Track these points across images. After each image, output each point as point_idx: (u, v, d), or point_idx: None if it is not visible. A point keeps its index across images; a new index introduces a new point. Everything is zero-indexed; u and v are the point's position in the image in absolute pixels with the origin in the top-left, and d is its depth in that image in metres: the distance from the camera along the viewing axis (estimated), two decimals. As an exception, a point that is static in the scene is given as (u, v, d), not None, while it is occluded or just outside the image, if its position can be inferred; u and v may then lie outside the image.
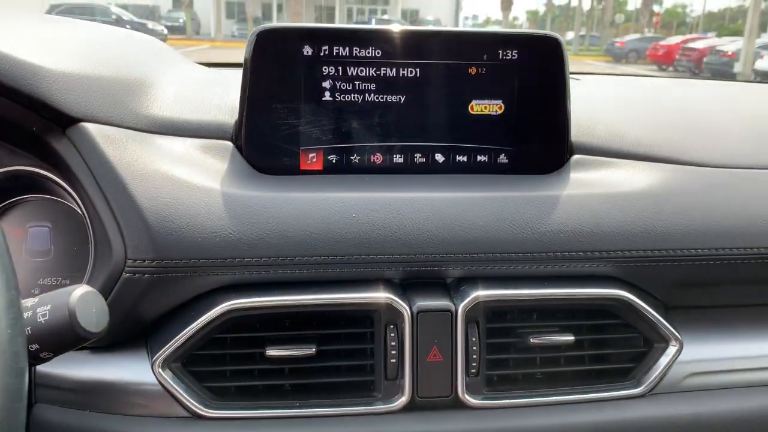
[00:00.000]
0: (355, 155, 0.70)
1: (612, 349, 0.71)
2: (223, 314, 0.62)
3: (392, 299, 0.64)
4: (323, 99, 0.69)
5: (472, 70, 0.70)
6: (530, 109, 0.72)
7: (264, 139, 0.69)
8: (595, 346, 0.71)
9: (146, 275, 0.61)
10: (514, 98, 0.72)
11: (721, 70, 14.75)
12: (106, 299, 0.61)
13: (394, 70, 0.69)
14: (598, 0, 41.80)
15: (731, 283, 0.75)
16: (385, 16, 31.83)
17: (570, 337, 0.68)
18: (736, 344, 0.76)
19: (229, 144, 0.69)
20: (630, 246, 0.68)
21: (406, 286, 0.67)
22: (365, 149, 0.70)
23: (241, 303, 0.62)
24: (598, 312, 0.70)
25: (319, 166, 0.70)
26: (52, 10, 17.65)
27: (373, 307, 0.65)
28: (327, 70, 0.68)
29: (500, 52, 0.71)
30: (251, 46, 0.67)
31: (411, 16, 35.32)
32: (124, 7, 22.78)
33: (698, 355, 0.74)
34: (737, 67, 13.48)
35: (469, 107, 0.71)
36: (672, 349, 0.70)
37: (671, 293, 0.74)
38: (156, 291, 0.62)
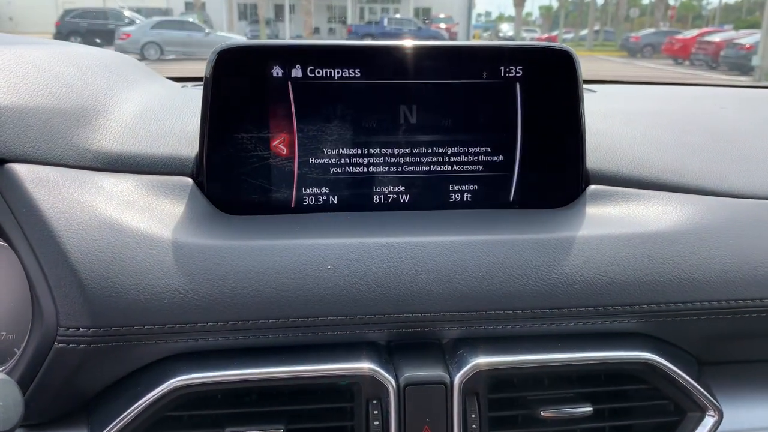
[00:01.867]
0: (333, 190, 0.61)
1: (637, 419, 0.60)
2: (173, 391, 0.52)
3: (375, 370, 0.54)
4: (295, 127, 0.59)
5: (470, 90, 0.60)
6: (538, 133, 0.62)
7: (228, 174, 0.59)
8: (617, 416, 0.60)
9: (82, 345, 0.51)
10: (519, 121, 0.61)
11: (739, 63, 14.49)
12: (38, 370, 0.52)
13: (377, 92, 0.60)
14: (612, -6, 41.41)
15: None
16: (397, 15, 31.70)
17: (587, 408, 0.57)
18: None
19: (189, 180, 0.60)
20: (658, 298, 0.57)
21: (393, 350, 0.57)
22: (345, 183, 0.61)
23: (193, 379, 0.52)
24: (620, 377, 0.59)
25: (291, 204, 0.60)
26: (66, 14, 17.76)
27: (353, 379, 0.55)
28: (299, 94, 0.59)
29: (503, 68, 0.61)
30: (211, 67, 0.57)
31: (423, 14, 35.18)
32: (138, 10, 22.89)
33: (740, 423, 0.63)
34: (755, 61, 13.18)
35: (467, 132, 0.61)
36: (710, 420, 0.59)
37: (706, 348, 0.63)
38: (95, 362, 0.53)
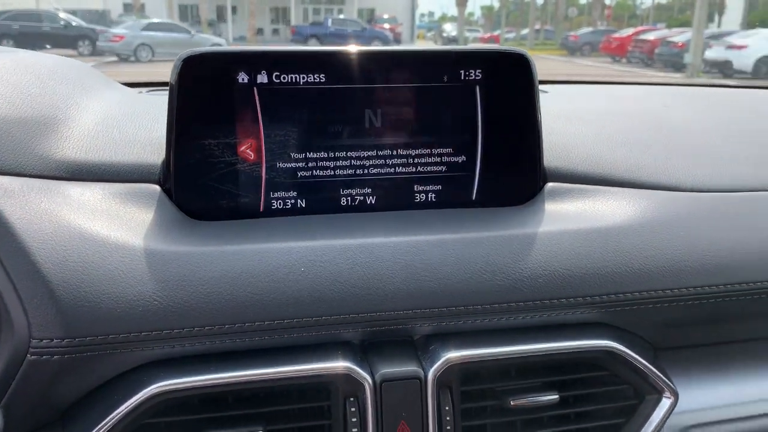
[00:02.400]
0: (301, 194, 0.61)
1: (599, 404, 0.63)
2: (150, 398, 0.52)
3: (351, 368, 0.55)
4: (262, 132, 0.60)
5: (432, 93, 0.62)
6: (498, 133, 0.64)
7: (196, 180, 0.59)
8: (580, 402, 0.63)
9: (56, 356, 0.51)
10: (479, 122, 0.64)
11: (672, 60, 15.06)
12: (11, 383, 0.52)
13: (342, 96, 0.61)
14: (551, -6, 42.34)
15: (731, 320, 0.68)
16: (341, 16, 31.65)
17: (554, 396, 0.60)
18: (735, 387, 0.69)
19: (157, 188, 0.60)
20: (615, 289, 0.60)
21: (367, 348, 0.59)
22: (312, 187, 0.62)
23: (171, 384, 0.52)
24: (583, 365, 0.62)
25: (260, 208, 0.61)
26: (-1, 15, 17.06)
27: (329, 378, 0.56)
28: (265, 99, 0.59)
29: (462, 71, 0.63)
30: (176, 74, 0.57)
31: (367, 14, 35.22)
32: (73, 12, 22.11)
33: (695, 403, 0.67)
34: (687, 58, 13.72)
35: (430, 135, 0.63)
36: (666, 402, 0.62)
37: (661, 334, 0.67)
38: (70, 372, 0.52)
